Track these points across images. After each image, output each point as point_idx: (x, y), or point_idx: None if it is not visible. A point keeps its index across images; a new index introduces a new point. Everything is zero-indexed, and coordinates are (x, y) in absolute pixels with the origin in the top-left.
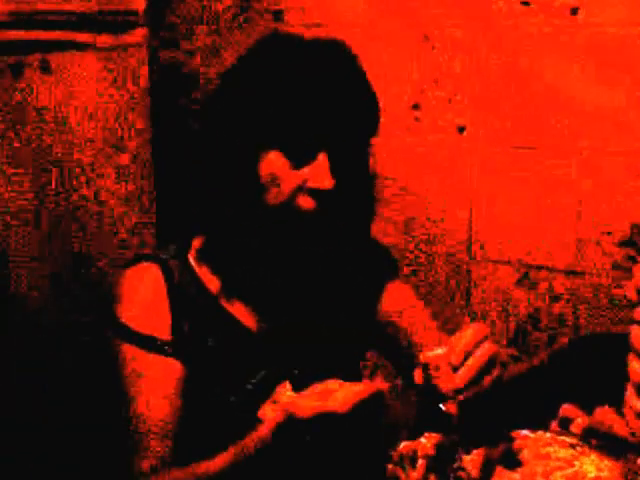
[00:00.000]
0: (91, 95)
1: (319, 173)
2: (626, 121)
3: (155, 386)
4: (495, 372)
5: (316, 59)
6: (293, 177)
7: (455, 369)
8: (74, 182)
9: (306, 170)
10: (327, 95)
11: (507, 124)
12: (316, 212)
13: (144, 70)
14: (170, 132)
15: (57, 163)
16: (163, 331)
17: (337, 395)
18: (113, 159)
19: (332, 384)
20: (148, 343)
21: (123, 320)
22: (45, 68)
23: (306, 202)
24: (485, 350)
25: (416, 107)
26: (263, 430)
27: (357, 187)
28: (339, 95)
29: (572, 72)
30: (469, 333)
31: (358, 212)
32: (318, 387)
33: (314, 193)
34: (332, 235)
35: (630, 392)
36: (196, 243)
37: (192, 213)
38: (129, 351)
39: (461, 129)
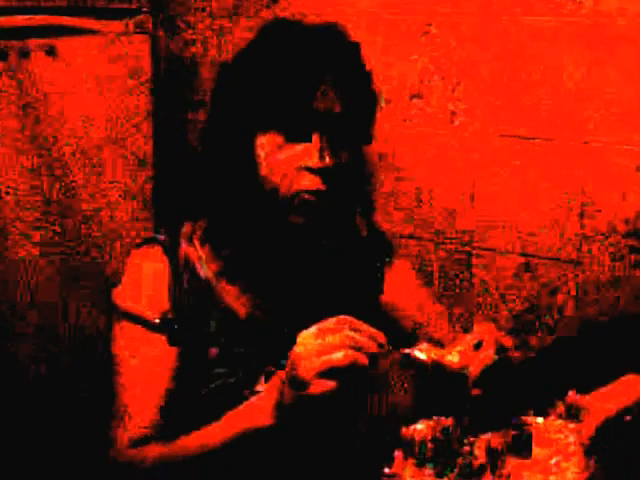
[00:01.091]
0: (96, 80)
1: (311, 152)
2: (631, 111)
3: (146, 362)
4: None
5: (314, 42)
6: (289, 156)
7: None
8: (77, 165)
9: (301, 149)
10: (324, 78)
11: (511, 114)
12: (316, 193)
13: (146, 56)
14: (170, 120)
15: (60, 146)
16: (159, 313)
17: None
18: (115, 144)
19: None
20: (145, 321)
21: (120, 301)
22: (51, 53)
23: (303, 181)
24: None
25: (418, 96)
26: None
27: (356, 171)
28: (336, 78)
29: (576, 62)
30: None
31: (357, 198)
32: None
33: (309, 171)
34: (330, 220)
35: None
36: (200, 226)
37: (196, 197)
38: (125, 327)
39: (463, 118)
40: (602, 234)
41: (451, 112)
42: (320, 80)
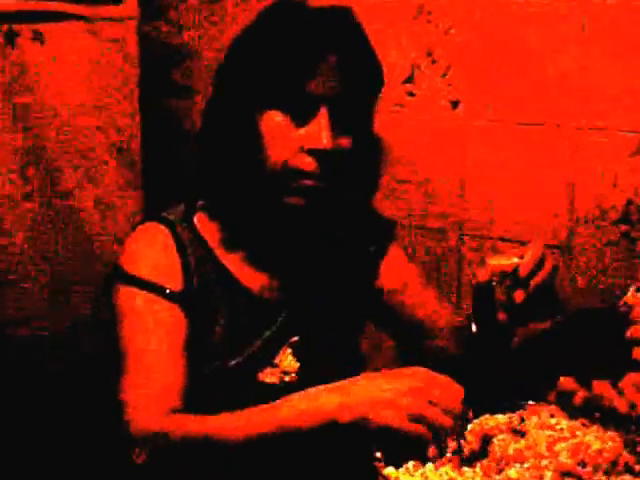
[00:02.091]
0: (83, 66)
1: (317, 132)
2: (621, 98)
3: (160, 330)
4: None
5: (319, 23)
6: (293, 135)
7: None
8: (64, 148)
9: (306, 129)
10: (329, 57)
11: (502, 100)
12: (316, 175)
13: (134, 42)
14: (158, 104)
15: (48, 130)
16: (172, 282)
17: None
18: (103, 129)
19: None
20: (157, 289)
21: (131, 269)
22: (38, 39)
23: (305, 162)
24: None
25: (410, 81)
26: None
27: (360, 153)
28: (341, 58)
29: (568, 48)
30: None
31: (360, 179)
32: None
33: (313, 153)
34: (333, 201)
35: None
36: (201, 205)
37: (191, 178)
38: (136, 296)
39: (455, 104)
40: (593, 220)
41: (442, 96)
42: (325, 61)
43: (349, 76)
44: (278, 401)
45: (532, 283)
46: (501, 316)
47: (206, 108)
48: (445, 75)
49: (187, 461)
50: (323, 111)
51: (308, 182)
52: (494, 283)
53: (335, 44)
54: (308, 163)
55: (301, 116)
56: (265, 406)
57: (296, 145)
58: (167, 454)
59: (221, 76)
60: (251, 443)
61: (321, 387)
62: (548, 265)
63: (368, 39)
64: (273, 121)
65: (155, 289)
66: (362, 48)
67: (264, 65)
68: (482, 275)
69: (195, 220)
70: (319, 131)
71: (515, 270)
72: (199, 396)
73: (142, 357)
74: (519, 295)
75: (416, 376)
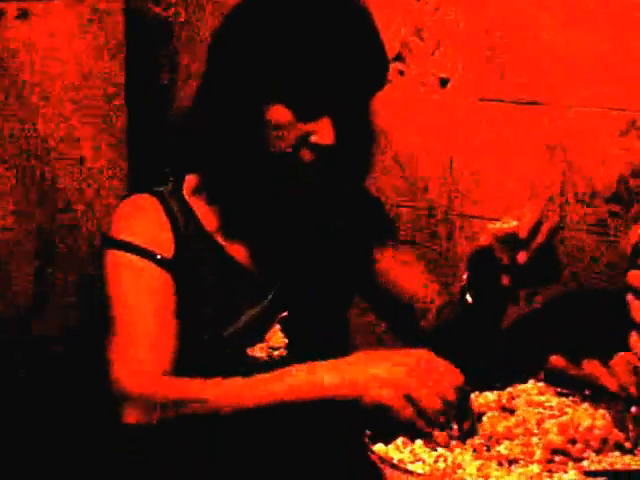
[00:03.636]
0: (69, 43)
1: (323, 130)
2: (611, 76)
3: (149, 294)
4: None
5: (328, 13)
6: (298, 130)
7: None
8: (51, 126)
9: (311, 125)
10: (338, 54)
11: (492, 77)
12: (316, 164)
13: (120, 17)
14: (144, 82)
15: (35, 108)
16: (164, 249)
17: None
18: (90, 107)
19: None
20: (148, 255)
21: (122, 236)
22: (23, 16)
23: (307, 155)
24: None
25: (399, 59)
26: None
27: (358, 143)
28: (349, 54)
29: (561, 25)
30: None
31: (357, 166)
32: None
33: (316, 148)
34: (329, 186)
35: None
36: (191, 180)
37: (180, 154)
38: (126, 258)
39: (444, 81)
40: (583, 199)
41: (431, 74)
42: (345, 71)
43: (360, 82)
44: (276, 373)
45: (532, 245)
46: (505, 280)
47: (203, 87)
48: (434, 53)
49: (179, 424)
50: (328, 111)
51: (308, 174)
52: (496, 246)
53: (355, 55)
54: (310, 156)
55: (308, 114)
56: (263, 377)
57: (299, 138)
58: (159, 416)
59: (220, 57)
60: (245, 412)
61: (321, 362)
62: (547, 225)
63: (376, 28)
64: (278, 115)
65: (145, 254)
66: (371, 40)
67: (271, 58)
68: (484, 240)
69: (184, 194)
70: (323, 129)
71: (515, 233)
72: (187, 367)
73: (131, 318)
74: (521, 256)
75: (416, 357)
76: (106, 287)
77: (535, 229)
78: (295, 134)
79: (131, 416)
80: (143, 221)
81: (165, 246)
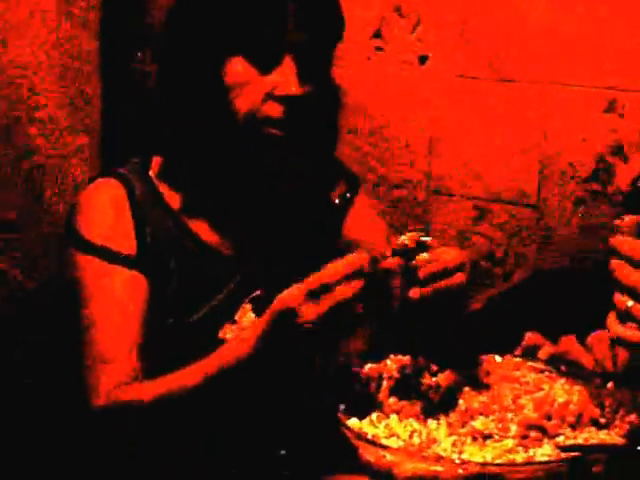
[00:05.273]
0: (41, 14)
1: (286, 78)
2: (592, 54)
3: (117, 297)
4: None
5: None
6: (259, 83)
7: None
8: (24, 92)
9: (273, 76)
10: (288, 3)
11: (471, 55)
12: (284, 122)
13: None
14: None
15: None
16: (126, 244)
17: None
18: (62, 79)
19: None
20: (111, 256)
21: (84, 234)
22: None
23: (274, 110)
24: None
25: (378, 36)
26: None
27: (323, 100)
28: (300, 4)
29: (543, 2)
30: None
31: (324, 129)
32: None
33: (282, 100)
34: (297, 151)
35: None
36: (157, 161)
37: (150, 130)
38: (91, 263)
39: (423, 59)
40: (563, 178)
41: (410, 51)
42: (285, 6)
43: (310, 22)
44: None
45: (433, 286)
46: (394, 303)
47: (161, 56)
48: (414, 31)
49: (151, 426)
50: (289, 58)
51: (276, 131)
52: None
53: None
54: (277, 110)
55: (266, 64)
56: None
57: (263, 93)
58: (129, 425)
59: (175, 21)
60: (202, 390)
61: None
62: (458, 277)
63: None
64: (237, 70)
65: (110, 255)
66: None
67: (222, 11)
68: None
69: (151, 175)
70: (287, 77)
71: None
72: (160, 354)
73: (97, 329)
74: (414, 292)
75: (286, 301)
76: (72, 290)
77: (441, 274)
78: (259, 90)
79: (114, 426)
80: (106, 214)
81: (128, 238)
